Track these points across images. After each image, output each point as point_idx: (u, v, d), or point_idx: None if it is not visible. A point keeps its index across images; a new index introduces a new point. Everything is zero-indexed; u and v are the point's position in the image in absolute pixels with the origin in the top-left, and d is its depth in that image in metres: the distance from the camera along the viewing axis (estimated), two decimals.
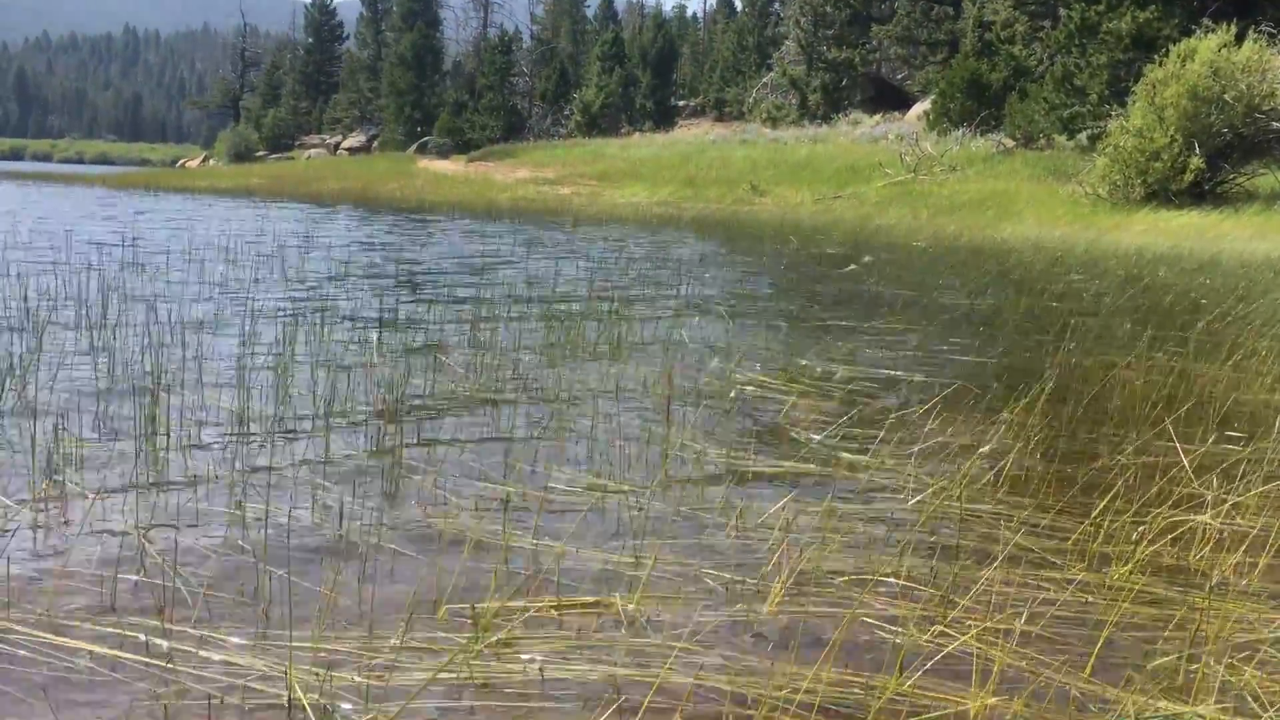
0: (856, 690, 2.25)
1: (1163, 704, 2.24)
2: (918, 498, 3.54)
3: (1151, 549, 3.08)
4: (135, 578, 2.66)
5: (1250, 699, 2.27)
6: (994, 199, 24.26)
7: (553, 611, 2.57)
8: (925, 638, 2.50)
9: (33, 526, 2.98)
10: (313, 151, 63.42)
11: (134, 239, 12.06)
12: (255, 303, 7.13)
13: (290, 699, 2.11)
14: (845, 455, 4.09)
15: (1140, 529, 3.20)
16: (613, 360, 5.81)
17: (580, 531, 3.13)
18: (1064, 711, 2.22)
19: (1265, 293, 10.10)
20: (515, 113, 57.58)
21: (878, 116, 41.16)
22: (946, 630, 2.53)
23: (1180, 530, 3.22)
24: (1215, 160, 21.11)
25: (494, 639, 2.39)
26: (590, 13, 70.26)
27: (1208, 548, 3.16)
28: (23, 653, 2.27)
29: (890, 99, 44.15)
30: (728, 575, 2.85)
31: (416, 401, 4.68)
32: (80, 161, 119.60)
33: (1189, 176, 20.50)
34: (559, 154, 43.32)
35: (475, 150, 49.58)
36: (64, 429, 3.80)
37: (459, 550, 2.93)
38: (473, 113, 56.13)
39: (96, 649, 2.29)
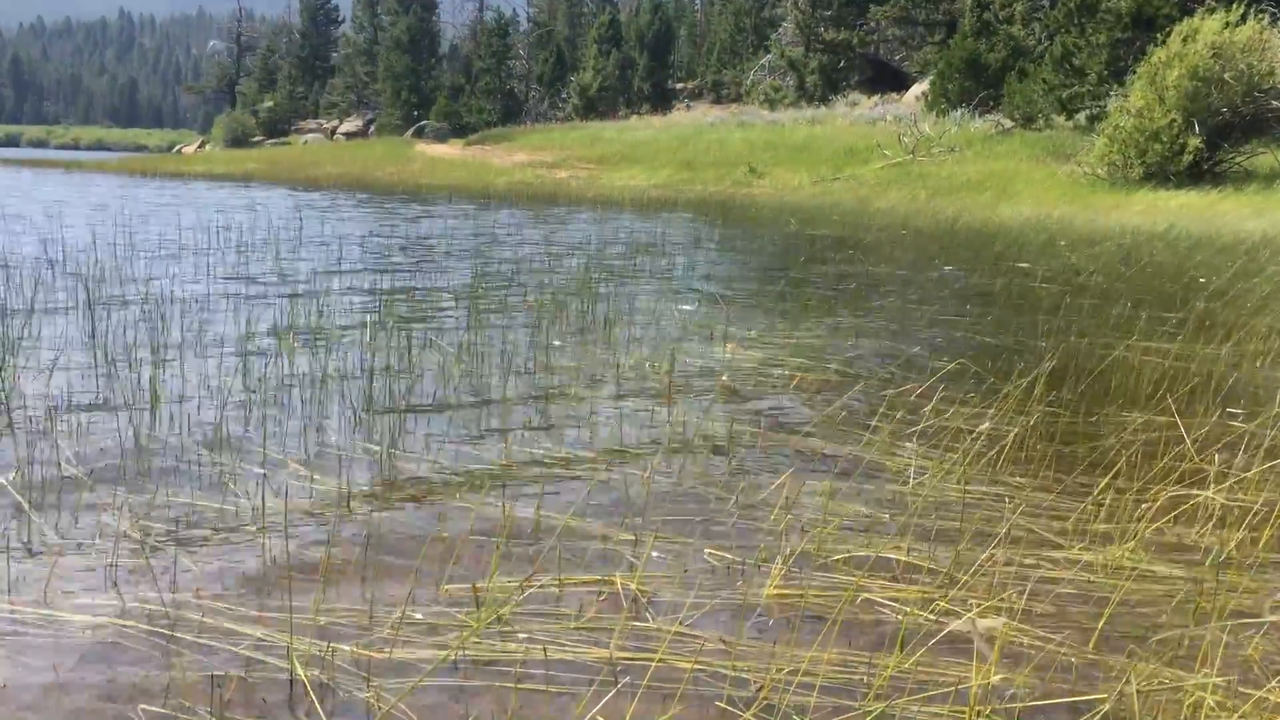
0: (858, 668, 2.24)
1: (1166, 675, 2.23)
2: (919, 477, 3.53)
3: (1154, 525, 3.08)
4: (133, 559, 2.65)
5: (1254, 670, 2.27)
6: (992, 179, 24.19)
7: (554, 590, 2.57)
8: (927, 614, 2.50)
9: (31, 506, 2.97)
10: (309, 136, 63.17)
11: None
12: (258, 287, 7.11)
13: (292, 675, 2.11)
14: (845, 433, 4.08)
15: (1143, 506, 3.20)
16: (612, 341, 5.80)
17: (581, 510, 3.13)
18: (1067, 684, 2.22)
19: (1261, 270, 10.08)
20: (512, 96, 57.41)
21: (876, 98, 41.01)
22: (949, 608, 2.52)
23: (1183, 507, 3.21)
24: (1214, 140, 21.05)
25: (494, 617, 2.39)
26: None
27: (1211, 523, 3.16)
28: (24, 631, 2.26)
29: (888, 80, 43.98)
30: (728, 555, 2.84)
31: (414, 382, 4.67)
32: (76, 147, 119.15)
33: (1188, 156, 20.44)
34: (556, 137, 43.16)
35: (472, 134, 49.40)
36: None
37: (461, 529, 2.93)
38: (469, 96, 55.96)
39: (98, 624, 2.29)
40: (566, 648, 2.28)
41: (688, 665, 2.22)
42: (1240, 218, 17.14)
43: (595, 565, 2.73)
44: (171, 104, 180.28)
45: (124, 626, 2.29)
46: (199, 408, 4.08)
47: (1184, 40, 20.72)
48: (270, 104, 66.87)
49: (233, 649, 2.21)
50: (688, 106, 51.57)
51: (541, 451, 3.74)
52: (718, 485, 3.42)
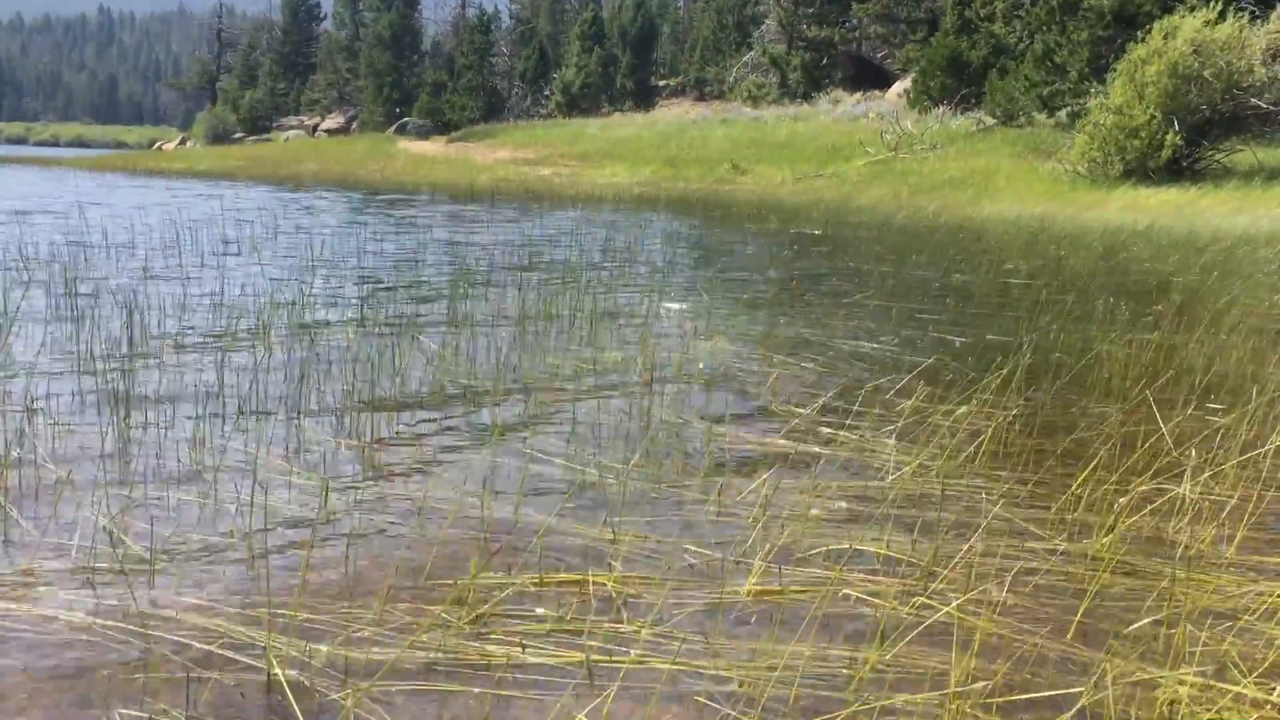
0: (840, 663, 2.25)
1: (1142, 670, 2.24)
2: (898, 472, 3.54)
3: (1132, 519, 3.09)
4: (111, 558, 2.64)
5: (1230, 666, 2.28)
6: (974, 177, 24.29)
7: (533, 588, 2.57)
8: (907, 609, 2.51)
9: (9, 501, 2.95)
10: (291, 133, 62.95)
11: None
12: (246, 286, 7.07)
13: (269, 674, 2.10)
14: (825, 430, 4.09)
15: (1120, 500, 3.21)
16: (592, 339, 5.80)
17: (561, 508, 3.12)
18: (1044, 678, 2.23)
19: (1238, 266, 10.15)
20: (495, 93, 57.27)
21: (858, 95, 41.12)
22: (928, 602, 2.53)
23: (1160, 500, 3.23)
24: (1193, 137, 21.19)
25: (474, 616, 2.38)
26: None
27: (1187, 518, 3.18)
28: (0, 631, 2.25)
29: (871, 77, 44.09)
30: (709, 552, 2.84)
31: (395, 379, 4.66)
32: (56, 144, 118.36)
33: (1166, 153, 20.57)
34: (539, 134, 43.17)
35: (455, 131, 49.34)
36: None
37: (440, 527, 2.92)
38: (452, 93, 55.81)
39: (75, 624, 2.27)
40: (545, 648, 2.27)
41: (666, 666, 2.21)
42: (1220, 215, 17.26)
43: (575, 563, 2.73)
44: (152, 100, 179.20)
45: (101, 626, 2.28)
46: (178, 405, 4.05)
47: (1164, 37, 20.84)
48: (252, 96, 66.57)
49: (210, 649, 2.20)
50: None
51: (522, 447, 3.73)
52: (697, 482, 3.42)
